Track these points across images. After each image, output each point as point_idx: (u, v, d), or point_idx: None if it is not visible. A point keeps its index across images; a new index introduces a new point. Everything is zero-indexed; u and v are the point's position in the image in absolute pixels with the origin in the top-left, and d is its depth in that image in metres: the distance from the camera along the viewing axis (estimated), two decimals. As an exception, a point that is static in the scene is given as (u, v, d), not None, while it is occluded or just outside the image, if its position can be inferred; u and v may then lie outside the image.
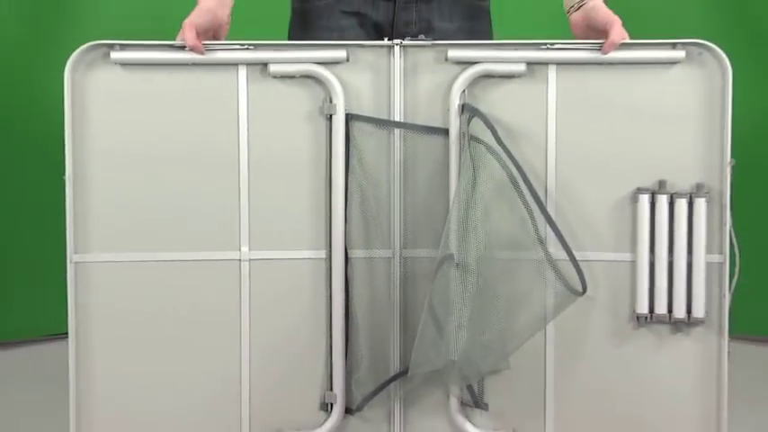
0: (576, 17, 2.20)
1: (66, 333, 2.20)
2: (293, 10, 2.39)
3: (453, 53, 2.08)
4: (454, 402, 2.15)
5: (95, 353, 2.13)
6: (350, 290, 2.15)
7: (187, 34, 2.04)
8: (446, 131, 2.11)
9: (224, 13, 2.12)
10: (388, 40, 2.12)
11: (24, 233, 3.28)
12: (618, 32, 2.06)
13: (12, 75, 3.22)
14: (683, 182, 2.11)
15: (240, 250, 2.13)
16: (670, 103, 2.11)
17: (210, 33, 2.10)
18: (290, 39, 2.39)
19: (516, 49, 2.10)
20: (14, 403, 2.84)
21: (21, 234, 3.28)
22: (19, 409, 2.77)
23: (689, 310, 2.11)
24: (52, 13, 3.25)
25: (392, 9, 2.31)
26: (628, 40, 2.09)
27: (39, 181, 3.05)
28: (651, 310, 2.12)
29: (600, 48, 2.06)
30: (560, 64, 2.11)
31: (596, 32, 2.13)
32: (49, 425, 2.57)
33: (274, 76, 2.10)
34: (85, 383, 2.13)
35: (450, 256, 1.97)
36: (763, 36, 3.23)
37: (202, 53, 2.04)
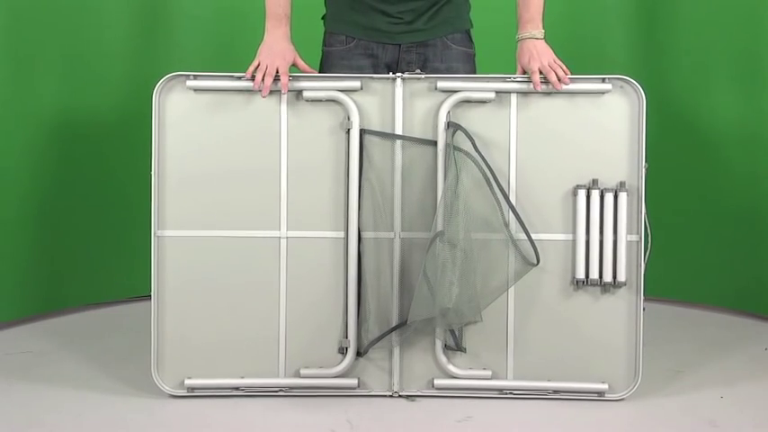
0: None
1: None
2: (323, 52, 2.86)
3: (441, 84, 2.64)
4: (439, 346, 2.66)
5: (168, 305, 2.65)
6: (361, 262, 2.66)
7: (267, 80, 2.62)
8: (435, 142, 2.63)
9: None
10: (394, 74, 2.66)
11: (115, 217, 3.69)
12: (535, 81, 2.62)
13: (113, 96, 3.68)
14: (611, 180, 2.64)
15: (280, 230, 2.66)
16: (601, 122, 2.64)
17: None
18: (320, 73, 2.84)
19: (487, 82, 2.65)
20: (107, 349, 3.18)
21: (113, 218, 3.69)
22: (110, 354, 3.11)
23: (614, 276, 2.63)
24: (143, 50, 3.74)
25: (398, 52, 2.79)
26: (570, 76, 2.63)
27: (132, 175, 3.45)
28: (587, 275, 2.63)
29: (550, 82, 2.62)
30: (520, 93, 2.65)
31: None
32: (133, 363, 2.96)
33: (307, 100, 2.64)
34: (161, 329, 2.65)
35: (441, 233, 2.52)
36: (672, 69, 3.71)
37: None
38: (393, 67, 2.79)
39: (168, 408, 2.62)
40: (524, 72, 2.70)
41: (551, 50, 2.71)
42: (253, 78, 2.63)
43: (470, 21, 2.87)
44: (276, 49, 2.67)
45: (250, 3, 3.65)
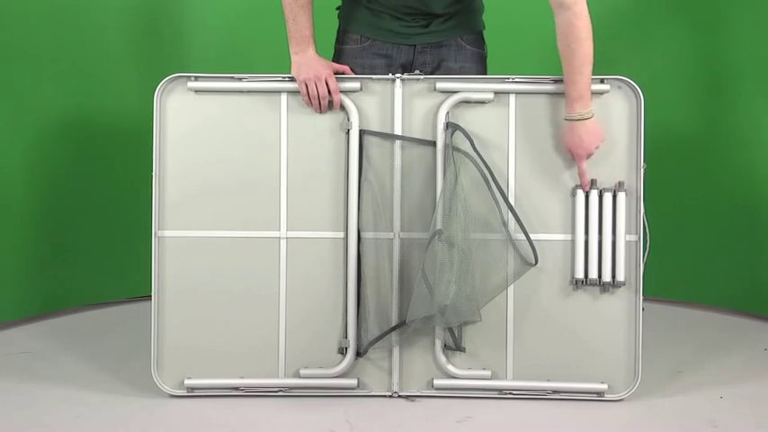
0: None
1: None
2: (336, 50, 2.84)
3: (440, 85, 2.65)
4: (439, 346, 2.66)
5: (168, 305, 2.67)
6: (361, 262, 2.67)
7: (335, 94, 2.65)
8: (434, 143, 2.64)
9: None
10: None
11: (115, 217, 3.69)
12: (584, 183, 2.61)
13: (114, 96, 3.68)
14: (609, 180, 2.65)
15: (280, 230, 2.67)
16: (599, 122, 2.60)
17: None
18: None
19: (486, 82, 2.66)
20: (107, 349, 3.17)
21: (114, 218, 3.69)
22: (110, 354, 3.11)
23: (613, 276, 2.64)
24: (148, 51, 3.76)
25: (412, 53, 2.78)
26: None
27: (133, 175, 3.42)
28: (586, 275, 2.64)
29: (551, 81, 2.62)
30: (518, 93, 2.65)
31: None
32: (133, 363, 2.97)
33: (307, 101, 2.66)
34: (161, 329, 2.67)
35: (439, 232, 2.54)
36: (670, 70, 3.71)
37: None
38: (408, 67, 2.78)
39: (168, 408, 2.63)
40: (570, 152, 2.63)
41: (601, 129, 2.62)
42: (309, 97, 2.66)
43: (483, 23, 2.88)
44: (314, 63, 2.65)
45: (258, 6, 3.70)
